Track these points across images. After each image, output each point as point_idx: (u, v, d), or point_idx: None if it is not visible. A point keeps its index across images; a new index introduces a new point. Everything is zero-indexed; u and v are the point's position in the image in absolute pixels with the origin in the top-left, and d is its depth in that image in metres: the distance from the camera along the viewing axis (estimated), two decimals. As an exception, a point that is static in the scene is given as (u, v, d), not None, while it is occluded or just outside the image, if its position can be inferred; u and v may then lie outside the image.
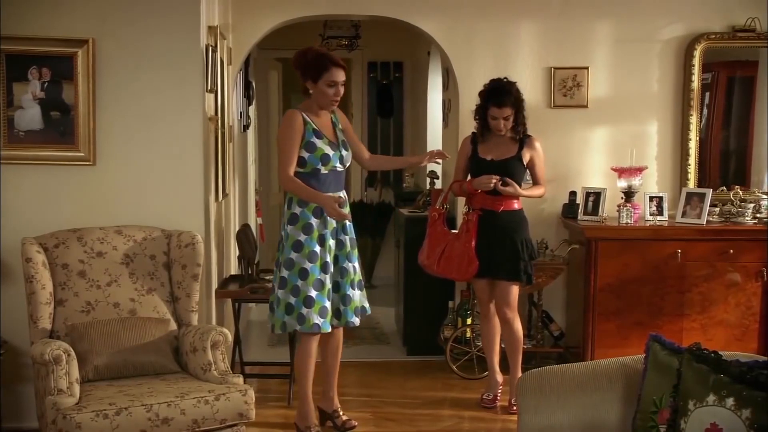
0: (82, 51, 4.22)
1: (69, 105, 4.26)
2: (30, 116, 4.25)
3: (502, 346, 5.10)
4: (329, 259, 4.26)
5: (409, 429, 4.68)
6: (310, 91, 4.27)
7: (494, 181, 4.69)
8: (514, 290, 4.85)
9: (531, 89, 5.69)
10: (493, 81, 4.86)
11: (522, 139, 4.84)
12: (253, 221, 7.44)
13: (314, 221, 4.22)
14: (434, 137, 7.51)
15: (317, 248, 4.21)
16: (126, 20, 4.29)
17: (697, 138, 5.77)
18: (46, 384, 3.56)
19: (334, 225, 4.28)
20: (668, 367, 2.70)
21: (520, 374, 4.88)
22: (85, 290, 3.98)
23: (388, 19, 5.85)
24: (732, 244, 5.27)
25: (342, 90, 4.29)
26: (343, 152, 4.33)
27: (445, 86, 6.51)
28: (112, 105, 4.31)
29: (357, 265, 4.44)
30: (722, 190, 5.68)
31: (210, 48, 4.49)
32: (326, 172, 4.25)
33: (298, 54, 4.26)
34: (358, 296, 4.43)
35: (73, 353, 3.64)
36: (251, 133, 7.39)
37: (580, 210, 5.58)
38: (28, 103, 4.24)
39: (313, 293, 4.18)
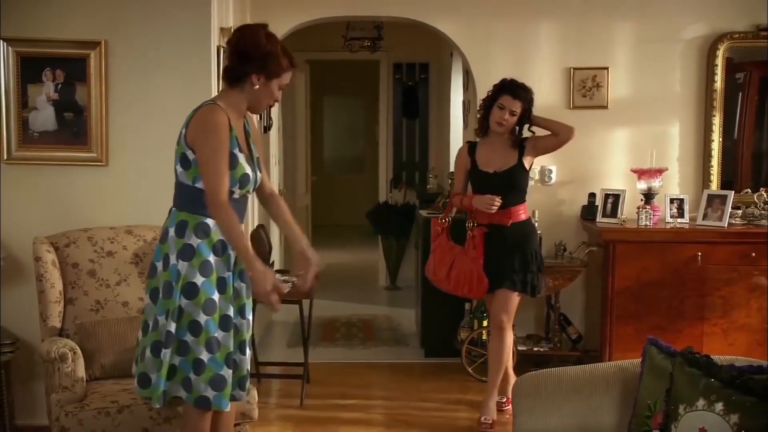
0: (94, 53, 4.28)
1: (82, 106, 4.32)
2: (44, 117, 4.32)
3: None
4: (231, 312, 3.13)
5: (421, 431, 4.67)
6: (255, 86, 3.14)
7: (495, 206, 4.53)
8: (515, 299, 4.67)
9: (550, 90, 5.67)
10: (506, 80, 4.71)
11: (521, 145, 4.66)
12: (275, 222, 7.46)
13: (213, 259, 3.09)
14: (456, 138, 7.48)
15: (216, 296, 3.09)
16: (138, 22, 4.33)
17: (720, 139, 5.67)
18: (52, 381, 3.61)
19: (240, 265, 3.16)
20: (663, 371, 2.67)
21: (495, 393, 4.74)
22: (95, 289, 4.03)
23: (408, 21, 5.85)
24: (754, 248, 5.16)
25: None
26: (258, 174, 3.25)
27: (466, 87, 6.49)
28: (125, 106, 4.35)
29: (252, 318, 3.31)
30: (746, 192, 5.57)
31: (222, 49, 4.51)
32: (238, 197, 3.16)
33: (255, 35, 3.18)
34: (247, 361, 3.28)
35: (79, 351, 3.68)
36: (274, 134, 7.41)
37: (598, 212, 5.52)
38: (42, 104, 4.31)
39: (205, 356, 3.06)
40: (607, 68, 5.66)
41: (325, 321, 7.10)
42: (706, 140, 5.69)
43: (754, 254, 5.15)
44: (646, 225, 5.28)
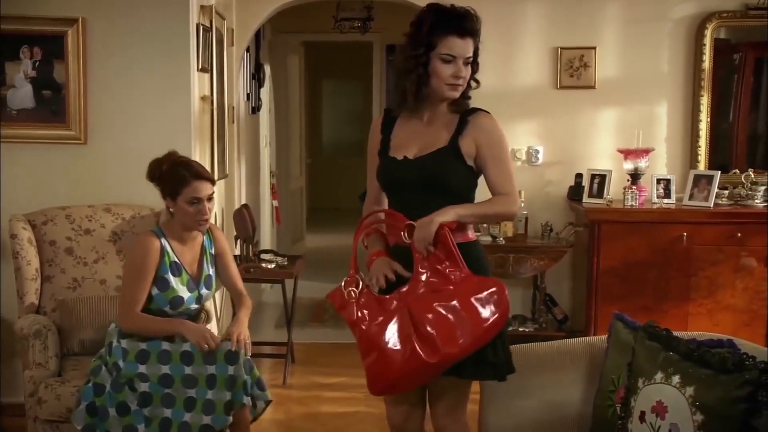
0: (72, 30, 4.25)
1: (60, 84, 4.30)
2: (22, 95, 4.30)
3: None
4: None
5: (401, 410, 4.65)
6: (171, 209, 3.44)
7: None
8: (466, 389, 2.90)
9: (537, 70, 5.64)
10: (438, 5, 2.75)
11: (462, 116, 2.75)
12: (267, 203, 7.46)
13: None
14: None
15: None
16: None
17: (708, 119, 5.62)
18: (26, 358, 3.62)
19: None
20: (626, 346, 2.66)
21: None
22: (72, 267, 4.02)
23: (397, 0, 5.80)
24: (740, 228, 5.13)
25: (209, 207, 3.40)
26: (203, 291, 3.52)
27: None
28: (103, 84, 4.33)
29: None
30: (734, 173, 5.53)
31: (202, 27, 4.49)
32: (174, 314, 3.45)
33: (152, 165, 3.46)
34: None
35: (54, 328, 3.70)
36: (264, 115, 7.40)
37: (585, 192, 5.49)
38: (20, 82, 4.29)
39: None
40: (594, 48, 5.61)
41: (315, 302, 7.10)
42: (694, 120, 5.64)
43: (739, 234, 5.12)
44: (632, 205, 5.25)
